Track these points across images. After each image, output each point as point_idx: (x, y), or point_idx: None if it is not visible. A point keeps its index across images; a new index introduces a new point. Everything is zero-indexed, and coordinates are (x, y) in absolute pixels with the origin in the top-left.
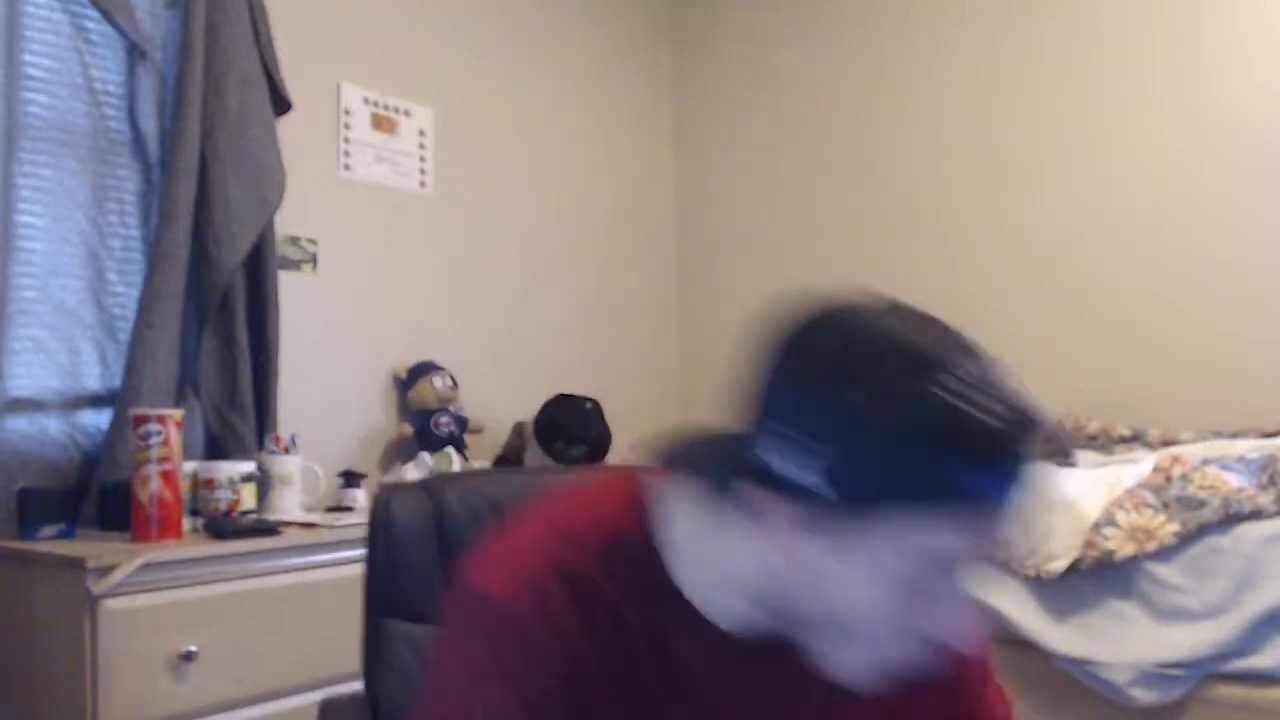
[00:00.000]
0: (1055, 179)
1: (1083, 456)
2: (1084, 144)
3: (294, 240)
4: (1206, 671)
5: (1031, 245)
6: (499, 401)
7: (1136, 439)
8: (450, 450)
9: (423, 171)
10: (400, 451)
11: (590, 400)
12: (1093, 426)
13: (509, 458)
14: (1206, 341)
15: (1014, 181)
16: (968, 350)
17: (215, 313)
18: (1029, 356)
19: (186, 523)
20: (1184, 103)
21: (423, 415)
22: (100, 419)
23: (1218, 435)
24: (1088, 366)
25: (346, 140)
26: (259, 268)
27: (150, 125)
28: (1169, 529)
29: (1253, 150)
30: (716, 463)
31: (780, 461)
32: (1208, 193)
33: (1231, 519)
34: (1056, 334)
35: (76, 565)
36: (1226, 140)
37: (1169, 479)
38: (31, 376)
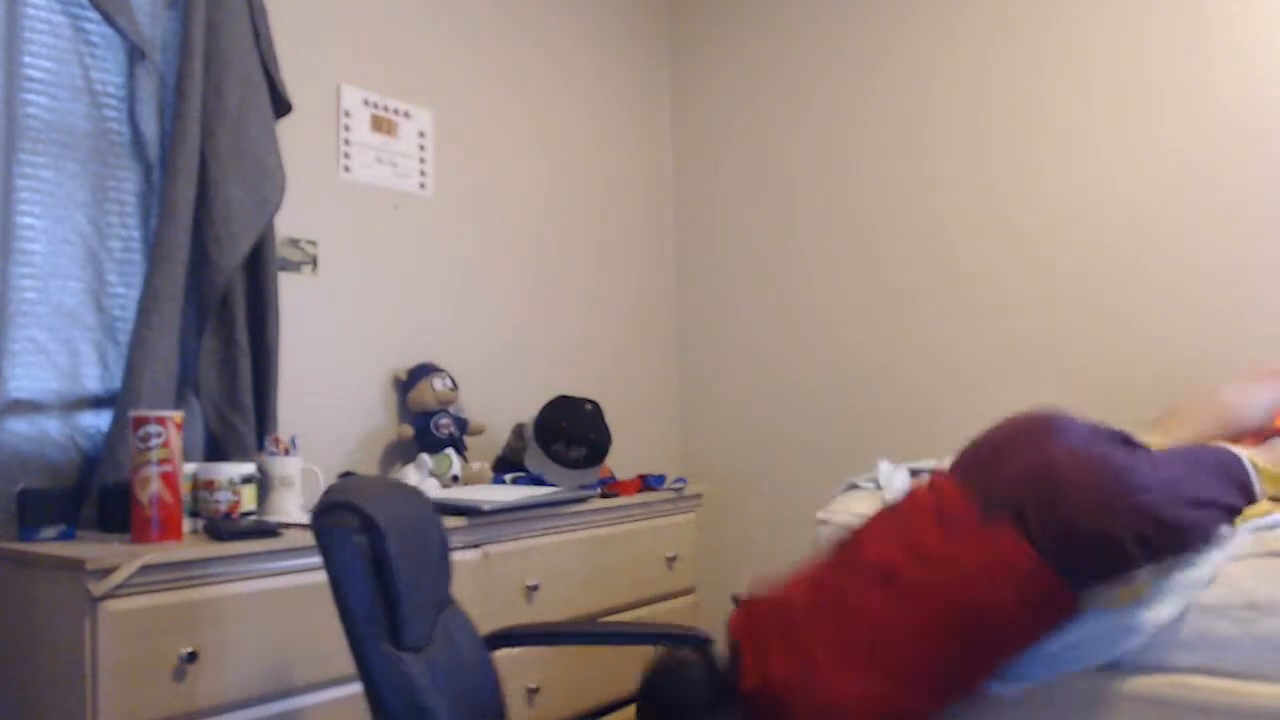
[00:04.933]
0: (1057, 176)
1: None
2: (1086, 141)
3: (294, 242)
4: None
5: (1035, 243)
6: (499, 403)
7: None
8: (450, 452)
9: (423, 173)
10: (400, 453)
11: (590, 402)
12: None
13: (509, 459)
14: (1206, 338)
15: (1016, 178)
16: None
17: (215, 314)
18: (1031, 354)
19: (186, 524)
20: (1185, 98)
21: (423, 417)
22: (100, 420)
23: None
24: (1090, 363)
25: (346, 142)
26: (259, 269)
27: (150, 126)
28: None
29: (1255, 147)
30: None
31: None
32: (1211, 190)
33: None
34: (1059, 330)
35: (76, 567)
36: (1228, 136)
37: None
38: (31, 378)
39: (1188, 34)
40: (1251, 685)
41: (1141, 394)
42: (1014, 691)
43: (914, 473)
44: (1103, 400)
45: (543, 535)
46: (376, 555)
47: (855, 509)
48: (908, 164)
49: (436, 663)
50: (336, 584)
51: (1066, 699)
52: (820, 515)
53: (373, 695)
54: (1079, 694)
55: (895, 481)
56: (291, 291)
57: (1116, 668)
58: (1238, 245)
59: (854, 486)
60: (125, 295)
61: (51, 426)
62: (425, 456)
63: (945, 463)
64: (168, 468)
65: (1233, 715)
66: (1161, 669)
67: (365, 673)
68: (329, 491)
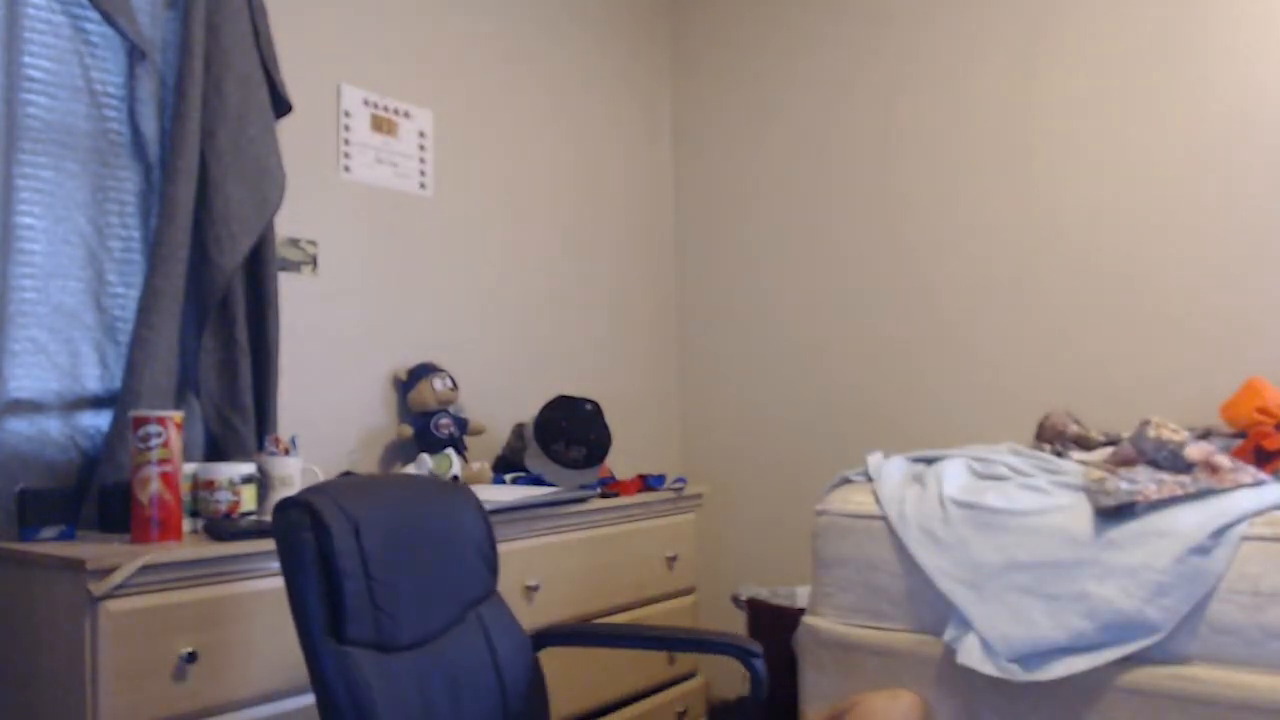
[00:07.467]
0: (1056, 185)
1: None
2: (1077, 149)
3: (294, 242)
4: None
5: (1031, 244)
6: (499, 403)
7: (1113, 443)
8: (450, 452)
9: (422, 173)
10: (400, 453)
11: (590, 401)
12: (1072, 429)
13: (509, 459)
14: (1202, 338)
15: (1015, 174)
16: None
17: (215, 314)
18: (1029, 354)
19: (186, 524)
20: (1172, 105)
21: (422, 417)
22: (100, 420)
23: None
24: (1087, 361)
25: (346, 142)
26: (259, 269)
27: (150, 126)
28: None
29: (1248, 150)
30: None
31: None
32: (1205, 193)
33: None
34: (1059, 330)
35: (77, 567)
36: (1219, 140)
37: None
38: (31, 378)
39: (1178, 36)
40: (1256, 676)
41: (1134, 390)
42: (1022, 677)
43: (915, 461)
44: (1100, 397)
45: (543, 535)
46: (323, 552)
47: (852, 499)
48: (907, 163)
49: (440, 660)
50: (286, 580)
51: (1069, 692)
52: (819, 508)
53: (319, 688)
54: (1081, 688)
55: (885, 471)
56: (291, 291)
57: (1120, 660)
58: (1234, 249)
59: (846, 480)
60: (125, 295)
61: (51, 426)
62: (425, 456)
63: (945, 452)
64: (168, 468)
65: (1239, 709)
66: (1165, 659)
67: (312, 666)
68: (302, 491)
